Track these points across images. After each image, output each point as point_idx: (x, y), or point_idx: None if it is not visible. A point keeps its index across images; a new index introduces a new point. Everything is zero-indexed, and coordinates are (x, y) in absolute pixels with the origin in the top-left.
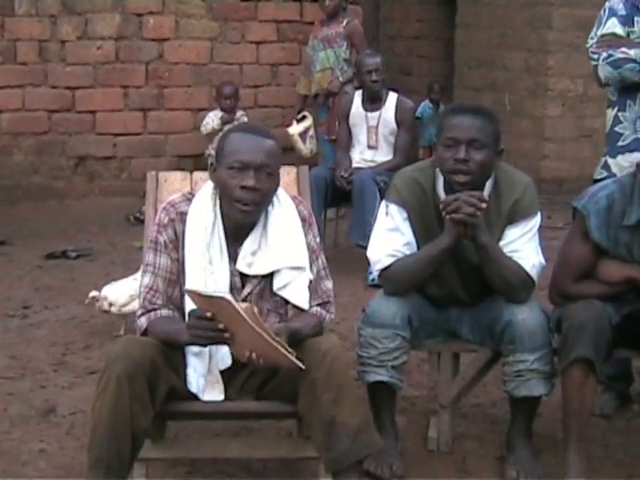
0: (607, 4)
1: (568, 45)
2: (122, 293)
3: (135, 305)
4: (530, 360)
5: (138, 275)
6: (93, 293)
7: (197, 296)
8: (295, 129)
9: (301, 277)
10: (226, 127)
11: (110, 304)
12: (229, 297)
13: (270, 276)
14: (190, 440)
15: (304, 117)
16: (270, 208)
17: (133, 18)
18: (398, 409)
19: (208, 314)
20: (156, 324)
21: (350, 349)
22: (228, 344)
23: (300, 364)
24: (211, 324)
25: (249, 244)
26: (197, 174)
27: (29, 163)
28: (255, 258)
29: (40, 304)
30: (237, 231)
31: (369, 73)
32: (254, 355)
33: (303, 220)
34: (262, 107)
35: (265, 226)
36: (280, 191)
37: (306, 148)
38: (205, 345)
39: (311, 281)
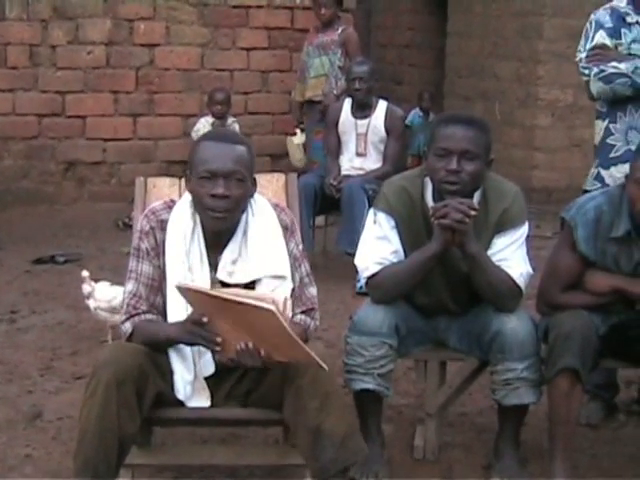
0: (593, 17)
1: (559, 55)
2: (107, 297)
3: (111, 316)
4: (519, 369)
5: None
6: (86, 273)
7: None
8: (300, 139)
9: (283, 286)
10: None
11: (90, 295)
12: (274, 309)
13: (252, 285)
14: (177, 446)
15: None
16: (250, 216)
17: (124, 23)
18: (384, 417)
19: (204, 319)
20: (141, 326)
21: (337, 357)
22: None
23: (324, 365)
24: (207, 334)
25: (229, 253)
26: None
27: (18, 168)
28: (235, 267)
29: (28, 309)
30: (216, 239)
31: (353, 81)
32: (250, 346)
33: (285, 228)
34: (252, 114)
35: (245, 234)
36: (261, 199)
37: (304, 159)
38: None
39: (294, 289)
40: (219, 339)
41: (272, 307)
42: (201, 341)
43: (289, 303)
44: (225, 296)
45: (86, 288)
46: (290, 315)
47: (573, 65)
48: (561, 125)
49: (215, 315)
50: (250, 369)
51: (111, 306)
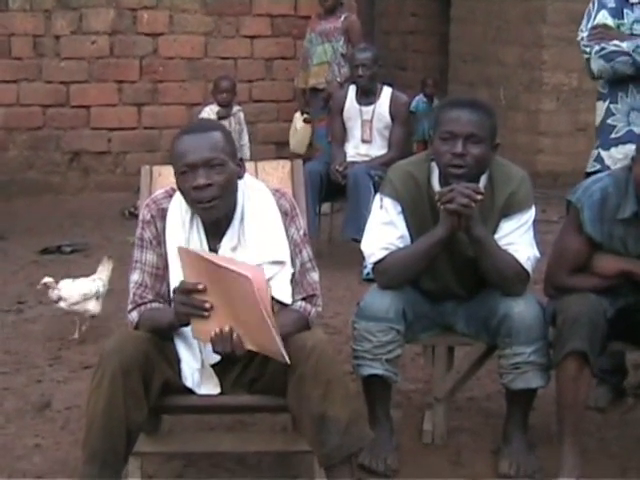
0: None
1: (562, 39)
2: (76, 291)
3: (86, 306)
4: (527, 353)
5: (97, 276)
6: (47, 279)
7: (209, 262)
8: (299, 123)
9: (283, 271)
10: (222, 122)
11: (60, 298)
12: (251, 276)
13: None
14: (185, 434)
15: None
16: (246, 201)
17: (127, 13)
18: (393, 403)
19: (200, 286)
20: (146, 315)
21: (344, 343)
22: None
23: (287, 359)
24: (195, 299)
25: (227, 241)
26: None
27: (24, 158)
28: (235, 254)
29: (35, 299)
30: (214, 227)
31: (357, 67)
32: (225, 330)
33: (285, 214)
34: (256, 102)
35: (242, 221)
36: (255, 182)
37: (302, 145)
38: (187, 323)
39: (294, 274)
40: (208, 305)
41: (249, 274)
42: (190, 310)
43: (269, 286)
44: (215, 260)
45: (54, 293)
46: (270, 297)
47: (577, 49)
48: (566, 109)
49: (208, 284)
50: (234, 356)
51: (82, 294)
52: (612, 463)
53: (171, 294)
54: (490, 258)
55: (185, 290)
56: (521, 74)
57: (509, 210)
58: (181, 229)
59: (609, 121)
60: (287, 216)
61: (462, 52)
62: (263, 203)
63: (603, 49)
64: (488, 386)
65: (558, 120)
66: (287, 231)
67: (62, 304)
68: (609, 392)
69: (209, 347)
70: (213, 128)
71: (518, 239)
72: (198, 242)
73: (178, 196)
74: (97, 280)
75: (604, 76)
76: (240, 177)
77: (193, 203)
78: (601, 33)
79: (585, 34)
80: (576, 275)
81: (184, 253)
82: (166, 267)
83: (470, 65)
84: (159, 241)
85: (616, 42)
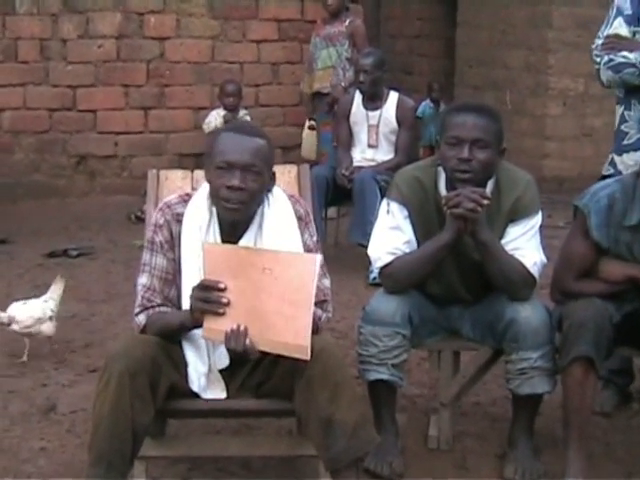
0: (615, 2)
1: (568, 44)
2: (28, 314)
3: (39, 328)
4: (534, 358)
5: (49, 296)
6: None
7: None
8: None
9: None
10: None
11: (12, 321)
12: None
13: None
14: (190, 438)
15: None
16: (265, 207)
17: (134, 17)
18: (398, 407)
19: (221, 285)
20: (154, 317)
21: (350, 347)
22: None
23: (309, 352)
24: (213, 295)
25: (244, 243)
26: (198, 172)
27: (30, 161)
28: None
29: None
30: (232, 230)
31: (358, 73)
32: (241, 328)
33: (300, 219)
34: (263, 106)
35: (260, 225)
36: (277, 190)
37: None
38: (200, 324)
39: None
40: (225, 300)
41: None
42: (207, 306)
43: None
44: (260, 248)
45: (4, 316)
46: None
47: (583, 54)
48: (572, 114)
49: (229, 282)
50: (242, 356)
51: (35, 317)
52: (618, 468)
53: (181, 299)
54: (496, 262)
55: (204, 286)
56: (527, 78)
57: (516, 215)
58: (197, 232)
59: (622, 127)
60: (302, 221)
61: (468, 56)
62: (283, 210)
63: (611, 60)
64: (494, 391)
65: (564, 125)
66: (301, 237)
67: (15, 327)
68: (615, 396)
69: (218, 351)
70: (261, 136)
71: (525, 244)
72: None
73: (194, 201)
74: (49, 301)
75: (613, 86)
76: (269, 190)
77: (219, 200)
78: (612, 43)
79: (600, 42)
80: (582, 280)
81: (209, 249)
82: (177, 272)
83: (476, 69)
84: (171, 245)
85: (624, 53)
